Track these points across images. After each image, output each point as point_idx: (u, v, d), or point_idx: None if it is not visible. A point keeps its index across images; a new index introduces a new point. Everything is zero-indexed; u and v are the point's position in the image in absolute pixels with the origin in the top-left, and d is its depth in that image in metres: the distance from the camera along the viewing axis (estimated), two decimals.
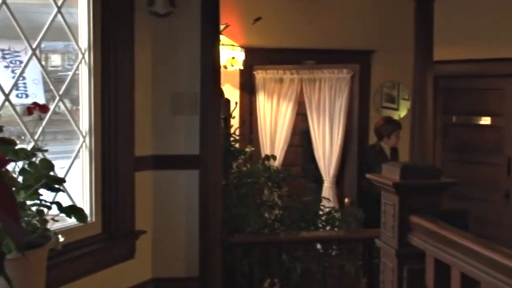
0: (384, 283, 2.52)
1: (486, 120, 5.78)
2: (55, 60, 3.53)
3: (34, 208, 1.86)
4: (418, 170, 2.43)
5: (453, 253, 2.12)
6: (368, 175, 2.62)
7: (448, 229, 2.21)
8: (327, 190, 5.90)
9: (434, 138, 5.77)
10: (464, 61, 5.68)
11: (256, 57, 5.85)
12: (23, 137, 2.77)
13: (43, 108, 2.17)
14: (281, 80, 5.98)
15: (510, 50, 5.42)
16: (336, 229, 4.44)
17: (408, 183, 2.38)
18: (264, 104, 5.97)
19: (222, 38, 4.99)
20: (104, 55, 3.33)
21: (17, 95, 2.88)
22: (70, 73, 3.19)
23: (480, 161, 5.77)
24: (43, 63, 3.04)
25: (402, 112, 6.26)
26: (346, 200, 5.97)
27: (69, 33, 3.16)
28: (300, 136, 6.25)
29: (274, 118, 5.97)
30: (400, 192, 2.38)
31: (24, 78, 2.92)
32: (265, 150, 5.86)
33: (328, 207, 4.83)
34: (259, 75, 5.96)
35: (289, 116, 5.97)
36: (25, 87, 2.95)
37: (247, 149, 4.86)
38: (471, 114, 5.87)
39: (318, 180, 6.02)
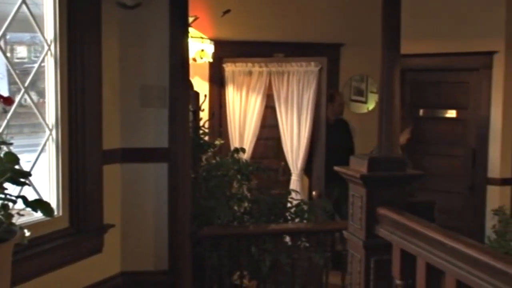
0: (352, 274, 2.55)
1: (452, 113, 5.88)
2: (21, 51, 3.47)
3: None
4: (385, 163, 2.46)
5: (419, 243, 2.16)
6: (335, 167, 2.65)
7: (414, 221, 2.25)
8: (295, 183, 5.94)
9: (401, 131, 5.86)
10: (430, 55, 5.76)
11: (226, 50, 5.83)
12: None
13: (8, 101, 2.13)
14: (250, 73, 5.97)
15: (475, 44, 5.52)
16: (304, 221, 4.46)
17: (375, 175, 2.41)
18: (233, 97, 5.96)
19: (191, 30, 4.96)
20: (70, 47, 3.28)
21: None
22: (36, 65, 3.14)
23: (446, 153, 5.88)
24: (8, 54, 2.99)
25: (370, 105, 6.33)
26: (314, 193, 6.01)
27: (34, 24, 3.11)
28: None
29: (243, 111, 5.96)
30: (368, 184, 2.41)
31: None
32: (234, 143, 5.86)
33: (297, 200, 4.86)
34: (228, 67, 5.95)
35: (258, 109, 5.97)
36: None
37: (217, 142, 4.85)
38: (437, 107, 5.96)
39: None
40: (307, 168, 5.96)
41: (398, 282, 2.32)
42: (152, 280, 3.77)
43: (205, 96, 5.16)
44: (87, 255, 3.42)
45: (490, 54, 5.46)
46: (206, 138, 4.74)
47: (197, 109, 4.83)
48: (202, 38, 5.37)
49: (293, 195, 4.86)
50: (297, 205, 4.56)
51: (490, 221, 5.42)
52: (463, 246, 1.93)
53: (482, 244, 5.10)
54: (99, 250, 3.52)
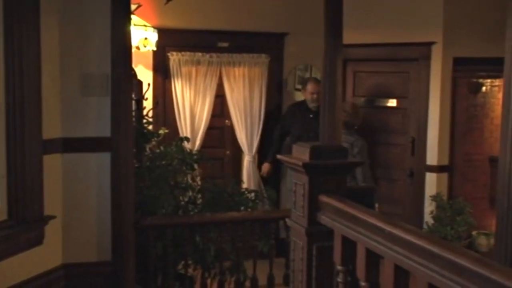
0: (294, 261, 2.59)
1: (392, 103, 6.02)
2: None
3: None
4: (326, 151, 2.50)
5: (359, 230, 2.21)
6: (278, 156, 2.68)
7: (355, 207, 2.30)
8: (249, 164, 6.10)
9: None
10: (371, 45, 5.87)
11: (170, 38, 5.77)
12: None
13: None
14: (198, 62, 5.95)
15: (414, 35, 5.66)
16: (249, 209, 4.49)
17: (317, 163, 2.44)
18: (181, 86, 5.92)
19: (134, 18, 4.89)
20: (7, 34, 3.19)
21: None
22: None
23: (387, 142, 6.02)
24: None
25: None
26: (262, 169, 6.11)
27: None
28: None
29: (192, 100, 5.94)
30: (310, 172, 2.45)
31: None
32: (185, 132, 5.83)
33: (243, 188, 4.89)
34: (174, 56, 5.90)
35: (208, 99, 5.97)
36: None
37: (161, 131, 4.82)
38: (378, 96, 6.09)
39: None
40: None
41: (339, 267, 2.36)
42: (95, 272, 3.73)
43: (149, 85, 5.10)
44: (26, 248, 3.35)
45: (429, 44, 5.61)
46: (150, 127, 4.70)
47: (141, 98, 4.77)
48: (145, 26, 5.30)
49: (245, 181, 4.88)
50: (242, 194, 4.58)
51: (429, 207, 5.60)
52: (401, 232, 1.99)
53: (420, 229, 5.27)
54: (39, 242, 3.45)
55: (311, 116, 5.79)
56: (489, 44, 4.96)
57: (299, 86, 6.39)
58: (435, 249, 1.81)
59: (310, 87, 5.87)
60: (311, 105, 5.85)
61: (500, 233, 2.50)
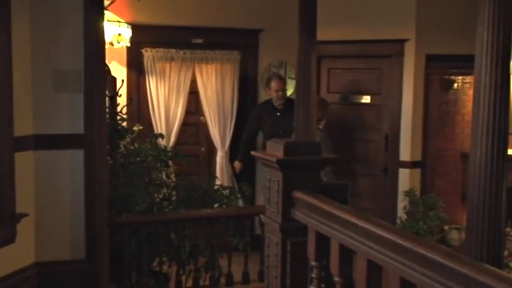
0: (269, 257, 2.60)
1: (366, 99, 6.07)
2: None
3: None
4: (300, 147, 2.52)
5: (333, 225, 2.23)
6: (253, 152, 2.68)
7: (328, 203, 2.32)
8: (222, 159, 6.10)
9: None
10: (346, 42, 5.91)
11: (144, 35, 5.74)
12: None
13: None
14: (172, 59, 5.93)
15: (387, 32, 5.71)
16: (224, 206, 4.50)
17: (291, 159, 2.45)
18: (155, 82, 5.88)
19: (108, 14, 4.85)
20: None
21: None
22: None
23: (361, 138, 6.07)
24: None
25: (289, 90, 6.41)
26: (235, 164, 6.13)
27: None
28: None
29: (167, 97, 5.91)
30: (284, 169, 2.45)
31: None
32: (159, 129, 5.81)
33: (217, 185, 4.89)
34: (148, 53, 5.86)
35: (182, 95, 5.95)
36: None
37: (135, 128, 4.79)
38: (352, 93, 6.13)
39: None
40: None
41: (313, 263, 2.38)
42: (68, 270, 3.69)
43: (123, 81, 5.06)
44: None
45: (402, 42, 5.67)
46: (124, 124, 4.66)
47: (115, 94, 4.73)
48: (119, 22, 5.25)
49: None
50: (216, 190, 4.58)
51: (402, 202, 5.66)
52: (374, 227, 2.01)
53: (394, 224, 5.33)
54: (11, 240, 3.40)
55: (278, 114, 5.82)
56: (461, 41, 5.02)
57: None
58: (407, 244, 1.84)
59: (274, 84, 5.85)
60: (277, 103, 5.86)
61: (470, 227, 2.54)
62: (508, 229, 5.19)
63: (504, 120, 2.51)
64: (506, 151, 2.55)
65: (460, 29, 5.33)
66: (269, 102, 5.96)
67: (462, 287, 1.62)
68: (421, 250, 1.77)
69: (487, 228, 2.49)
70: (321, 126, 5.27)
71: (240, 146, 6.04)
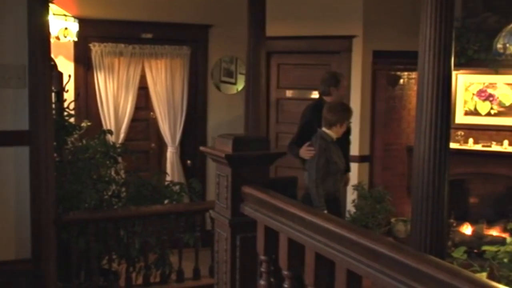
0: (218, 252, 2.60)
1: (315, 94, 6.11)
2: None
3: None
4: (249, 142, 2.52)
5: (281, 220, 2.24)
6: (201, 148, 2.67)
7: (277, 198, 2.33)
8: (172, 155, 6.07)
9: (268, 112, 6.03)
10: (295, 38, 5.96)
11: (91, 29, 5.63)
12: None
13: None
14: (121, 54, 5.84)
15: (336, 28, 5.79)
16: (174, 202, 4.47)
17: (240, 154, 2.46)
18: (104, 78, 5.79)
19: (53, 7, 4.73)
20: None
21: None
22: None
23: None
24: None
25: (239, 86, 6.42)
26: (188, 162, 6.10)
27: None
28: None
29: (116, 92, 5.83)
30: (232, 164, 2.45)
31: None
32: (108, 125, 5.72)
33: (167, 181, 4.86)
34: (96, 48, 5.75)
35: (131, 91, 5.88)
36: None
37: (83, 124, 4.70)
38: (302, 88, 6.18)
39: None
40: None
41: (262, 257, 2.39)
42: (14, 270, 3.61)
43: (69, 76, 4.96)
44: None
45: (350, 38, 5.76)
46: (72, 120, 4.58)
47: (61, 89, 4.64)
48: (65, 15, 5.14)
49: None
50: (166, 187, 4.55)
51: (351, 196, 5.76)
52: (321, 221, 2.04)
53: (343, 218, 5.42)
54: None
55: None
56: (406, 38, 5.13)
57: (225, 78, 6.39)
58: (353, 237, 1.87)
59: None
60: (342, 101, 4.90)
61: (414, 219, 2.61)
62: (451, 220, 5.37)
63: (446, 115, 2.58)
64: (448, 145, 2.63)
65: (405, 26, 5.45)
66: (319, 104, 4.86)
67: (405, 277, 1.66)
68: (367, 243, 1.81)
69: (430, 220, 2.56)
70: (328, 131, 4.45)
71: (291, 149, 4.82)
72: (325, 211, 4.21)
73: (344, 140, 4.69)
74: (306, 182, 4.41)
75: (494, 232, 5.47)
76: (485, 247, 3.98)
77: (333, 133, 4.44)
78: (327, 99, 4.78)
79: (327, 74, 5.02)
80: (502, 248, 3.78)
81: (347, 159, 4.75)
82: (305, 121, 4.86)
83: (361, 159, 5.86)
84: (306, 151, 4.50)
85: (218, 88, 6.35)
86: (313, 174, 4.36)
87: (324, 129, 4.46)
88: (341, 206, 4.82)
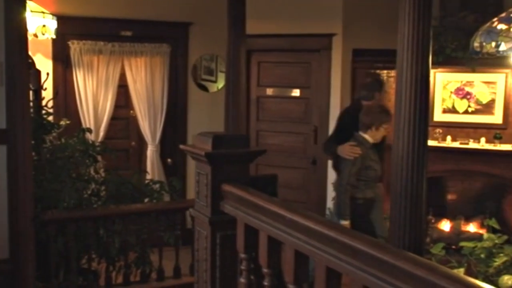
0: (198, 251, 2.60)
1: (296, 92, 6.15)
2: None
3: None
4: (228, 140, 2.52)
5: (261, 217, 2.25)
6: (181, 146, 2.67)
7: (257, 195, 2.34)
8: (152, 153, 6.04)
9: (248, 110, 6.04)
10: (275, 36, 5.96)
11: (70, 26, 5.58)
12: None
13: None
14: (100, 51, 5.80)
15: (316, 26, 5.80)
16: (154, 201, 4.46)
17: (219, 152, 2.45)
18: (83, 76, 5.74)
19: (31, 4, 4.69)
20: None
21: None
22: None
23: (291, 131, 6.15)
24: None
25: (220, 84, 6.42)
26: (169, 160, 6.08)
27: None
28: None
29: (95, 90, 5.78)
30: (212, 162, 2.45)
31: None
32: (87, 123, 5.67)
33: (147, 180, 4.84)
34: (75, 45, 5.70)
35: (111, 89, 5.84)
36: None
37: (62, 123, 4.67)
38: (282, 86, 6.20)
39: None
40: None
41: (242, 255, 2.40)
42: None
43: (48, 74, 4.92)
44: None
45: (330, 36, 5.78)
46: (50, 118, 4.54)
47: (39, 88, 4.60)
48: (43, 12, 5.08)
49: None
50: (146, 185, 4.53)
51: (331, 194, 5.78)
52: (301, 218, 2.05)
53: (323, 215, 5.45)
54: None
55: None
56: (386, 36, 5.12)
57: (205, 77, 6.38)
58: (332, 234, 1.88)
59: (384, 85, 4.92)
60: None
61: (393, 216, 2.63)
62: (429, 217, 5.42)
63: (424, 113, 2.61)
64: (427, 142, 2.65)
65: (385, 24, 5.45)
66: (356, 106, 4.81)
67: (384, 274, 1.67)
68: (346, 240, 1.82)
69: (409, 217, 2.58)
70: (365, 135, 4.29)
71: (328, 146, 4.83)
72: (348, 222, 4.13)
73: (380, 147, 4.46)
74: (335, 186, 4.23)
75: (472, 228, 5.53)
76: (462, 243, 4.03)
77: (369, 137, 4.25)
78: (367, 103, 4.55)
79: (369, 79, 4.79)
80: (479, 244, 3.83)
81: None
82: (342, 122, 4.69)
83: None
84: (349, 150, 4.23)
85: (198, 86, 6.33)
86: (344, 178, 4.19)
87: (360, 132, 4.26)
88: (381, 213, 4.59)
